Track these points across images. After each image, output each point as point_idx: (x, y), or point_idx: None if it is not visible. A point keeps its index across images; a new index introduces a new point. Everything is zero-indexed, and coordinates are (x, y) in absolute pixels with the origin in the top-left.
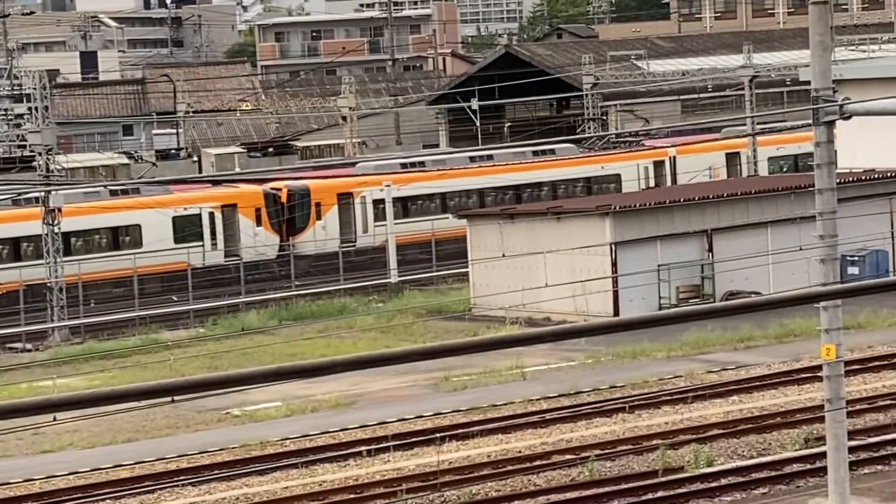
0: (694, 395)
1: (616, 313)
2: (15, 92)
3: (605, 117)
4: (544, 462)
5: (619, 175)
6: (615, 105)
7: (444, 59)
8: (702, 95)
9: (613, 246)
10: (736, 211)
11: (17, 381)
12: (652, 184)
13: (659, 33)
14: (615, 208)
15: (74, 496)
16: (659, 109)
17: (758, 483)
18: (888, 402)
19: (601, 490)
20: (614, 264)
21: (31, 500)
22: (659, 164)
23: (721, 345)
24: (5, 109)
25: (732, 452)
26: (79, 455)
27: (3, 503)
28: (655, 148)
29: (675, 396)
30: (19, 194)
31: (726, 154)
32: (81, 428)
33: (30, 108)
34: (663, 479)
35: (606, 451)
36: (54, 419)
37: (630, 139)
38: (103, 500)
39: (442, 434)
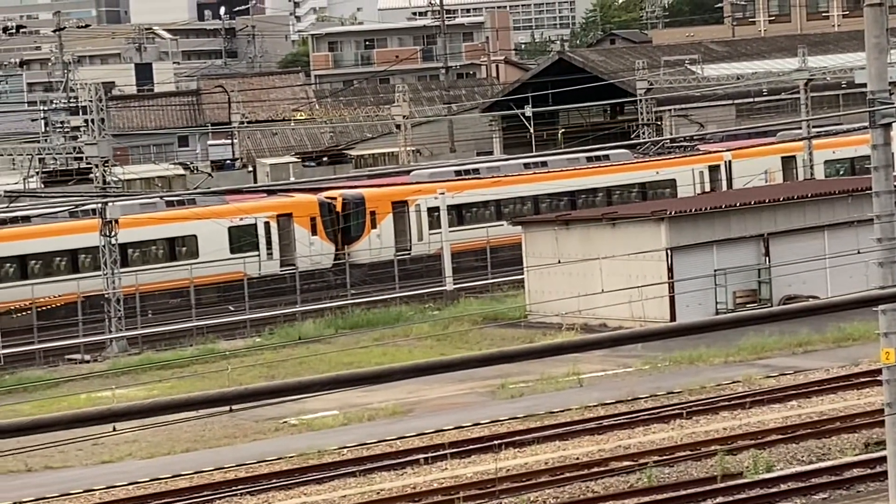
0: (752, 401)
1: (673, 318)
2: (71, 104)
3: (659, 122)
4: (602, 469)
5: (674, 180)
6: (669, 110)
7: (497, 66)
8: (757, 99)
9: (669, 251)
10: (792, 215)
11: (75, 392)
12: (707, 188)
13: (713, 37)
14: (671, 213)
15: None
16: (713, 114)
17: (818, 488)
18: None
19: (659, 496)
20: (670, 269)
21: None
22: (714, 169)
23: (779, 349)
24: (62, 122)
25: (792, 458)
26: (138, 465)
27: None
28: (710, 152)
29: (733, 402)
30: (76, 206)
31: (782, 158)
32: (140, 438)
33: (86, 121)
34: (722, 484)
35: (664, 457)
36: (114, 429)
37: (685, 144)
38: None
39: (499, 441)
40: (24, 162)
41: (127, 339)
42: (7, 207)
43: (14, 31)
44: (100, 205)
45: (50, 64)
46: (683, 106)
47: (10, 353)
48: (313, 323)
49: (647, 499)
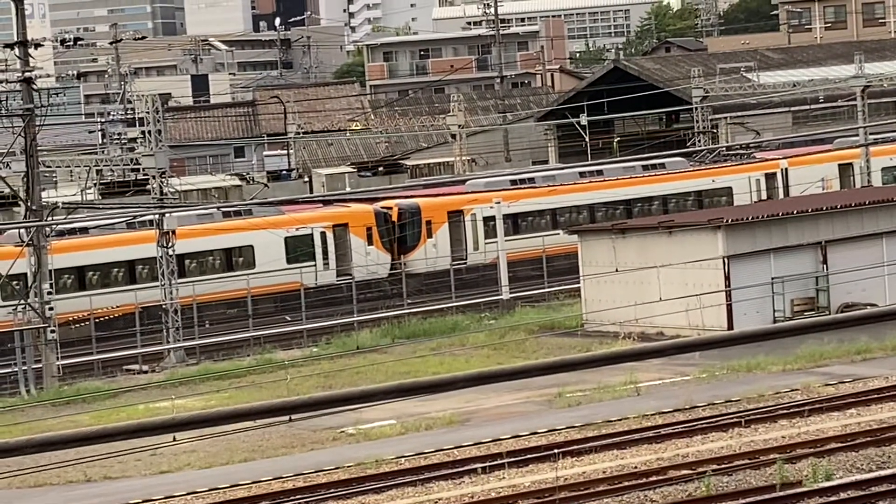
0: (811, 409)
1: (730, 327)
2: (128, 116)
3: (715, 130)
4: (660, 477)
5: (730, 188)
6: (725, 118)
7: (552, 75)
8: (813, 106)
9: (726, 259)
10: (850, 222)
11: (134, 403)
12: (764, 196)
13: (768, 45)
14: (727, 221)
15: None
16: (770, 121)
17: (878, 497)
18: None
19: None
20: (727, 278)
21: None
22: (771, 177)
23: (838, 357)
24: (119, 134)
25: (851, 466)
26: (196, 475)
27: None
28: (767, 160)
29: (791, 410)
30: (134, 217)
31: (839, 165)
32: (198, 448)
33: (143, 132)
34: (781, 493)
35: (723, 465)
36: (174, 439)
37: (741, 152)
38: None
39: (557, 450)
40: (82, 173)
41: (184, 349)
42: (66, 219)
43: (71, 43)
44: (157, 216)
45: (107, 76)
46: (739, 114)
47: (69, 363)
48: (370, 333)
49: None
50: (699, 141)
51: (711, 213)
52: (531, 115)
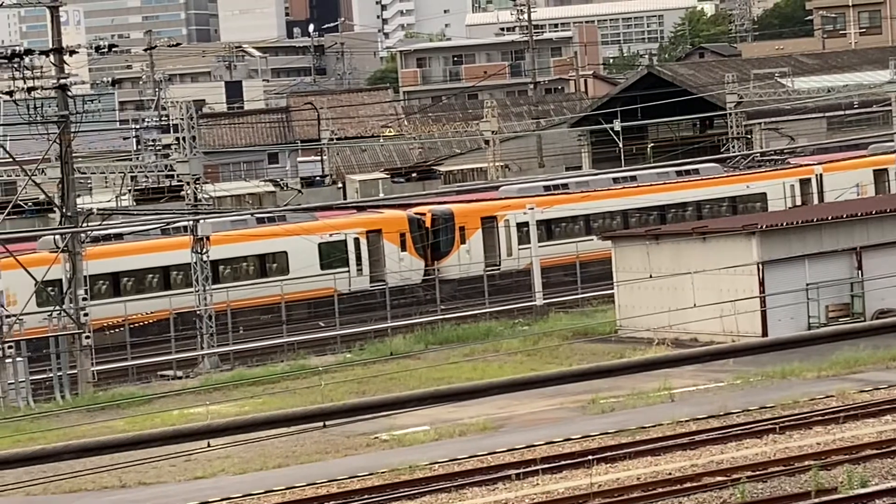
0: (846, 415)
1: (764, 333)
2: (162, 122)
3: (749, 136)
4: (695, 484)
5: (764, 194)
6: (759, 123)
7: (585, 81)
8: (848, 112)
9: (760, 265)
10: (885, 228)
11: (168, 409)
12: (798, 202)
13: (803, 50)
14: (762, 227)
15: None
16: (804, 127)
17: None
18: None
19: None
20: (762, 284)
21: None
22: (805, 182)
23: (872, 363)
24: (153, 140)
25: (887, 473)
26: (230, 481)
27: None
28: (801, 166)
29: (826, 417)
30: (168, 223)
31: (874, 171)
32: (233, 454)
33: (177, 139)
34: (816, 500)
35: (757, 472)
36: (208, 445)
37: (775, 157)
38: None
39: (591, 456)
40: (117, 180)
41: (218, 355)
42: (100, 225)
43: (106, 50)
44: (191, 222)
45: (141, 82)
46: (773, 119)
47: (103, 369)
48: (403, 339)
49: None
50: (733, 147)
51: (746, 219)
52: (564, 121)
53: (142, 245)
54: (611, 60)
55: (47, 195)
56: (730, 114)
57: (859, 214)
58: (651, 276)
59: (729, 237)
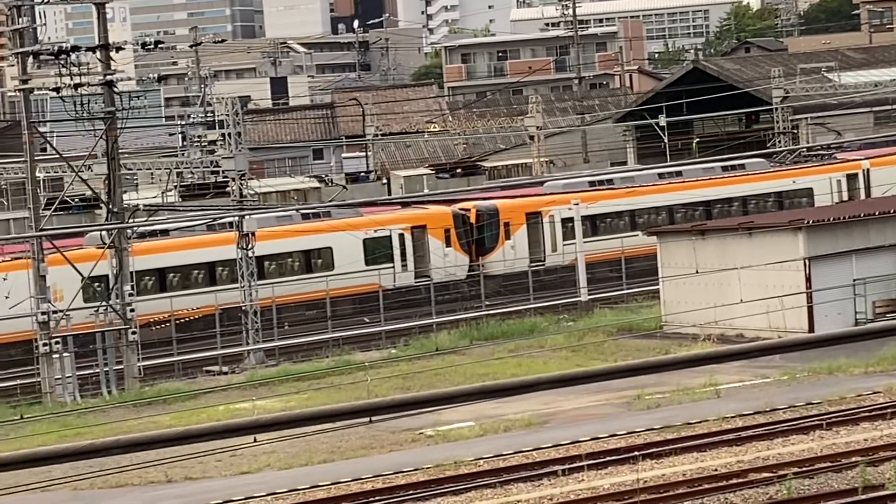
0: (893, 411)
1: (811, 329)
2: (208, 119)
3: (795, 131)
4: (741, 480)
5: (811, 189)
6: (806, 118)
7: (630, 76)
8: (895, 106)
9: (807, 261)
10: None
11: (214, 404)
12: (845, 197)
13: (849, 45)
14: (808, 223)
15: None
16: (851, 122)
17: None
18: None
19: None
20: (808, 279)
21: None
22: (852, 177)
23: None
24: (199, 136)
25: None
26: (276, 476)
27: None
28: (848, 160)
29: (873, 413)
30: (214, 219)
31: None
32: (278, 449)
33: (223, 135)
34: (863, 496)
35: (804, 468)
36: (254, 440)
37: (822, 152)
38: None
39: (636, 453)
40: (163, 176)
41: (264, 350)
42: (146, 221)
43: (152, 46)
44: (236, 218)
45: (187, 79)
46: (820, 114)
47: (149, 365)
48: (448, 334)
49: None
50: (779, 142)
51: (792, 214)
52: (609, 116)
53: (187, 241)
54: (656, 55)
55: (94, 191)
56: (776, 109)
57: None
58: (698, 272)
59: (775, 233)
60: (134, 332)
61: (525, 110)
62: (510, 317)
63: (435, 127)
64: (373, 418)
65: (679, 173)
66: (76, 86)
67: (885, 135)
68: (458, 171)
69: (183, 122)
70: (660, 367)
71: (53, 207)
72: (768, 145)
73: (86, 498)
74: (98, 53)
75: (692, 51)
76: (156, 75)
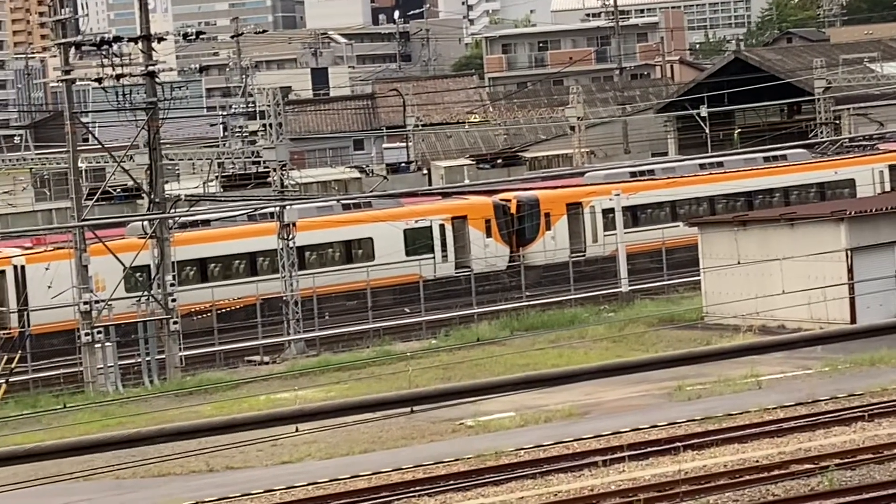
0: None
1: (853, 320)
2: (249, 109)
3: (837, 121)
4: (782, 472)
5: (853, 180)
6: (848, 109)
7: (671, 67)
8: None
9: (849, 252)
10: None
11: (255, 394)
12: (887, 188)
13: (892, 35)
14: (850, 213)
15: None
16: (893, 112)
17: None
18: None
19: (842, 500)
20: (850, 270)
21: None
22: (894, 168)
23: None
24: (240, 127)
25: None
26: (317, 465)
27: None
28: (890, 151)
29: None
30: (255, 210)
31: None
32: (319, 439)
33: (264, 125)
34: None
35: (846, 460)
36: (296, 430)
37: (864, 143)
38: None
39: (678, 444)
40: (204, 166)
41: (304, 340)
42: (188, 211)
43: (193, 37)
44: (277, 208)
45: (228, 69)
46: (862, 105)
47: (191, 354)
48: (488, 325)
49: (828, 502)
50: (821, 132)
51: (834, 205)
52: (650, 107)
53: (229, 231)
54: (697, 46)
55: (136, 181)
56: (818, 99)
57: None
58: (740, 263)
59: (817, 223)
60: (175, 322)
61: (566, 101)
62: (551, 307)
63: (476, 117)
64: (414, 408)
65: (720, 164)
66: (118, 76)
67: None
68: (499, 161)
69: (224, 113)
70: (701, 357)
71: (95, 197)
72: (810, 136)
73: (128, 487)
74: (140, 44)
75: (733, 41)
76: (197, 66)
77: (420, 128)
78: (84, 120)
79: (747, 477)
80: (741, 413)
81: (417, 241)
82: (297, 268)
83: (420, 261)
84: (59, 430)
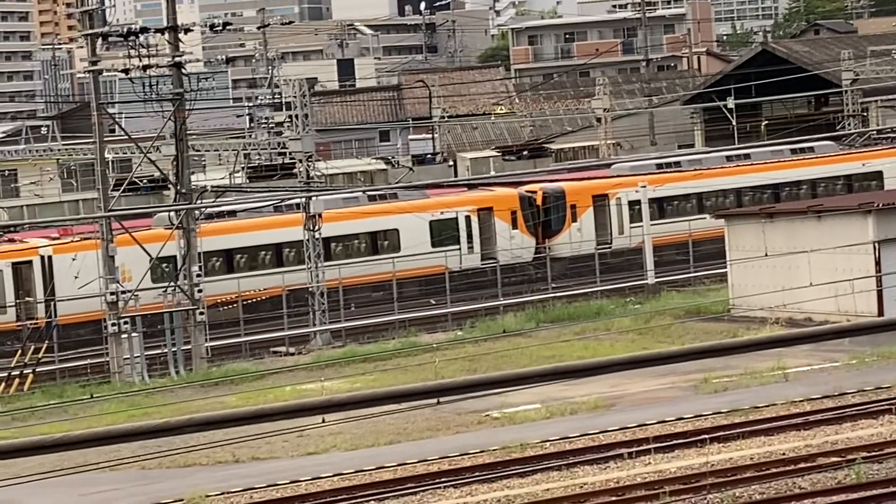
0: None
1: (880, 313)
2: (275, 100)
3: (865, 113)
4: (809, 464)
5: (880, 172)
6: (876, 101)
7: (698, 58)
8: None
9: (877, 244)
10: None
11: (281, 385)
12: None
13: None
14: (878, 206)
15: (339, 497)
16: None
17: None
18: None
19: (869, 493)
20: (878, 263)
21: (297, 501)
22: None
23: None
24: (266, 118)
25: None
26: (342, 457)
27: None
28: None
29: None
30: (281, 201)
31: None
32: (345, 430)
33: (290, 117)
34: None
35: (873, 453)
36: (323, 421)
37: (892, 135)
38: (367, 501)
39: (704, 436)
40: (230, 157)
41: (330, 332)
42: (214, 202)
43: (220, 28)
44: (303, 199)
45: (254, 60)
46: (890, 97)
47: (217, 345)
48: (514, 316)
49: (855, 496)
50: (849, 124)
51: (862, 197)
52: (677, 99)
53: (255, 222)
54: (724, 37)
55: (162, 172)
56: (845, 91)
57: None
58: (767, 255)
59: (844, 216)
60: (202, 313)
61: (592, 92)
62: (576, 299)
63: (501, 109)
64: (440, 399)
65: (747, 156)
66: (145, 67)
67: None
68: (525, 153)
69: (250, 104)
70: (727, 350)
71: (122, 188)
72: (837, 128)
73: (154, 477)
74: (166, 35)
75: (761, 33)
76: (224, 57)
77: (446, 119)
78: (111, 111)
79: (774, 470)
80: (768, 406)
81: (443, 233)
82: (323, 259)
83: (446, 252)
84: (86, 421)
